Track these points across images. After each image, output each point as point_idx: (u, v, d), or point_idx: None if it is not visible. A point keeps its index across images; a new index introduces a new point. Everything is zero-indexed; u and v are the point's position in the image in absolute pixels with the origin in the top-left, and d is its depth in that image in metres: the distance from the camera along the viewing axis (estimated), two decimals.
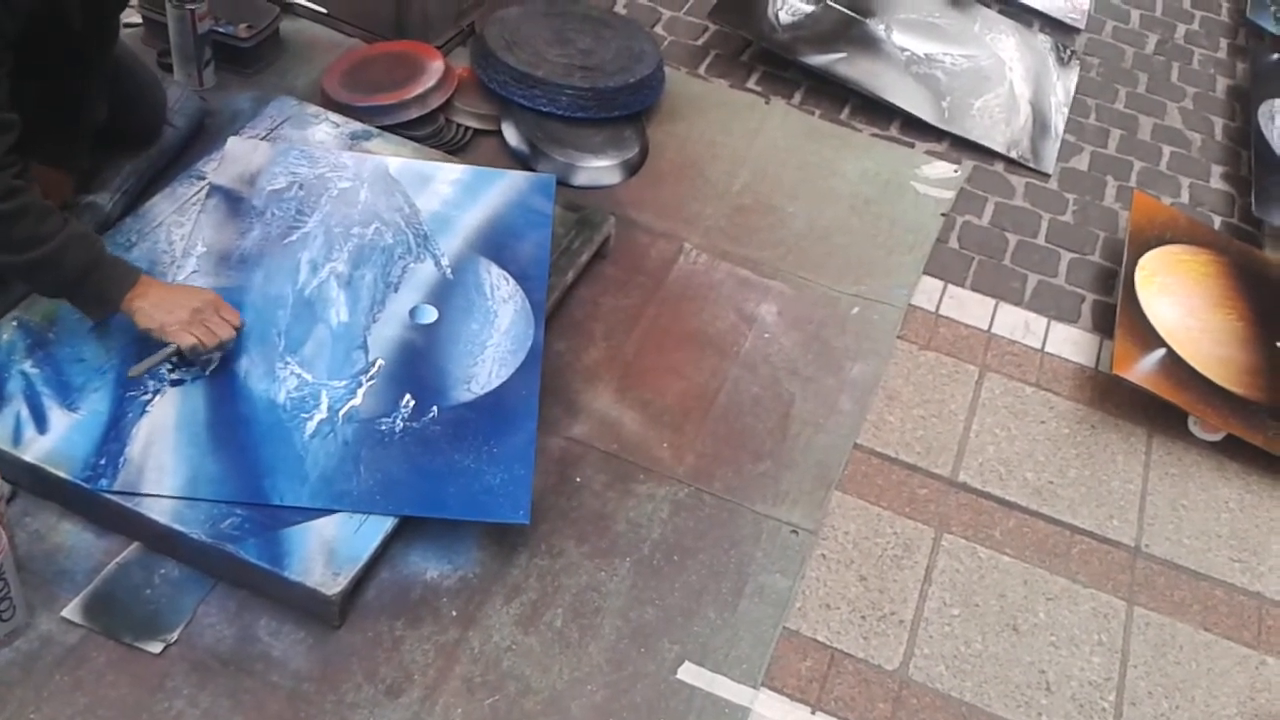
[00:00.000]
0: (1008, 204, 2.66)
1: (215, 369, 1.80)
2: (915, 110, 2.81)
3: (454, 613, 1.68)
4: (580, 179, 2.45)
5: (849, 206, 2.54)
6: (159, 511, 1.62)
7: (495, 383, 1.88)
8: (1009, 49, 3.11)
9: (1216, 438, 2.15)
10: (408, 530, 1.73)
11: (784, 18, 2.96)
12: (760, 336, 2.20)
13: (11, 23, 1.57)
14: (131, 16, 2.49)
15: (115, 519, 1.66)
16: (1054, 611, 1.84)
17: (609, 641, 1.69)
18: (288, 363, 1.84)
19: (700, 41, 3.00)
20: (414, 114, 2.46)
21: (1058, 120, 2.93)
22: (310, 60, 2.62)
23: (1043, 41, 3.20)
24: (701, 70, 2.90)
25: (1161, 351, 2.20)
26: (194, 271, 1.93)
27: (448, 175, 2.23)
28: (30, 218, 1.61)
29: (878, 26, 3.03)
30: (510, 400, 1.86)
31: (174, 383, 1.77)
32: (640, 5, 3.09)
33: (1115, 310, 2.28)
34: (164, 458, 1.67)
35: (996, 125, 2.85)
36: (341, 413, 1.78)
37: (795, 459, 1.99)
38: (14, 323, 1.83)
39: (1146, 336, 2.22)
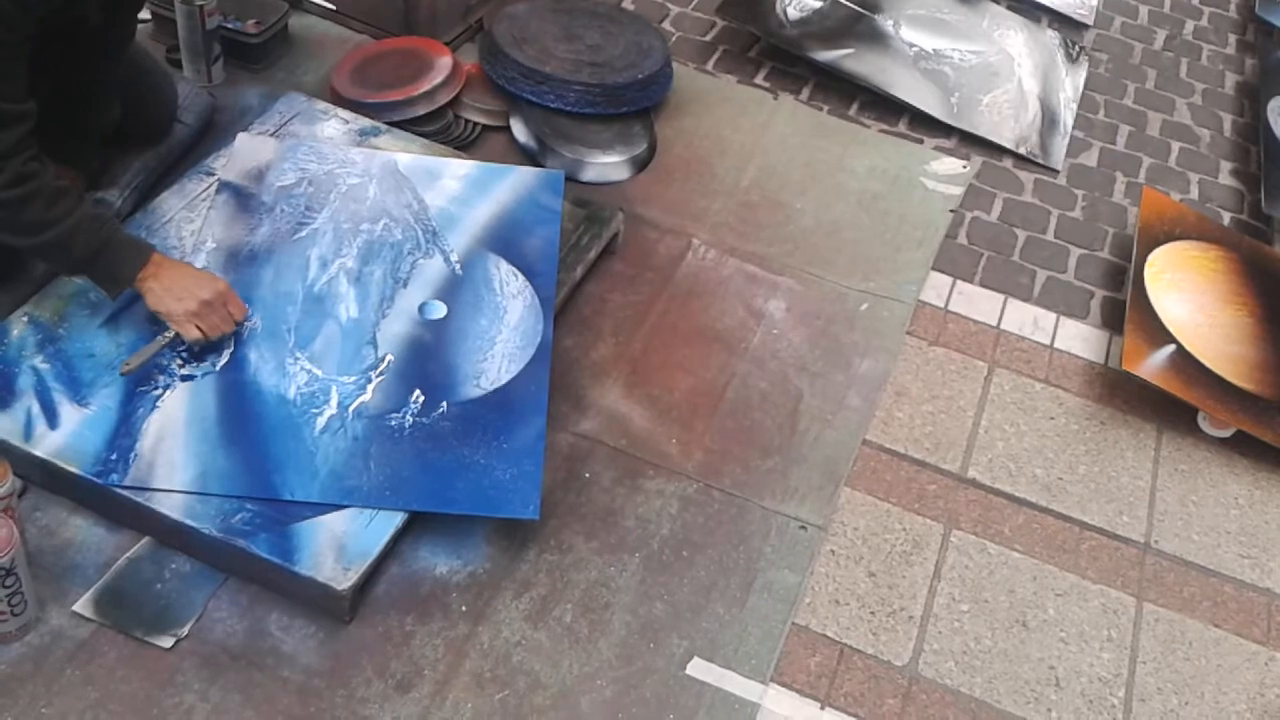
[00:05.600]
0: (1016, 200, 2.66)
1: (225, 364, 1.80)
2: (924, 106, 2.81)
3: (464, 608, 1.68)
4: (589, 175, 2.45)
5: (857, 202, 2.54)
6: (170, 506, 1.62)
7: (504, 378, 1.88)
8: (1017, 45, 3.11)
9: (1226, 434, 2.14)
10: (417, 525, 1.74)
11: (792, 13, 2.96)
12: (769, 332, 2.20)
13: (23, 15, 1.57)
14: (140, 13, 2.49)
15: (126, 514, 1.67)
16: (1063, 607, 1.84)
17: (618, 637, 1.69)
18: (298, 358, 1.84)
19: (708, 37, 3.00)
20: (422, 110, 2.46)
21: (1066, 116, 2.93)
22: (319, 56, 2.62)
23: (1051, 37, 3.19)
24: (709, 66, 2.90)
25: (1171, 347, 2.20)
26: (204, 267, 1.93)
27: (456, 171, 2.23)
28: (39, 202, 1.63)
29: (886, 22, 3.03)
30: (519, 396, 1.86)
31: (184, 378, 1.78)
32: (648, 1, 3.09)
33: (1124, 306, 2.27)
34: (175, 453, 1.68)
35: (1005, 121, 2.84)
36: (351, 408, 1.79)
37: (804, 455, 1.99)
38: (24, 319, 1.83)
39: (1156, 332, 2.22)
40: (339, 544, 1.62)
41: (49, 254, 1.72)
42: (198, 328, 1.75)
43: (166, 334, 1.77)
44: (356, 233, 2.06)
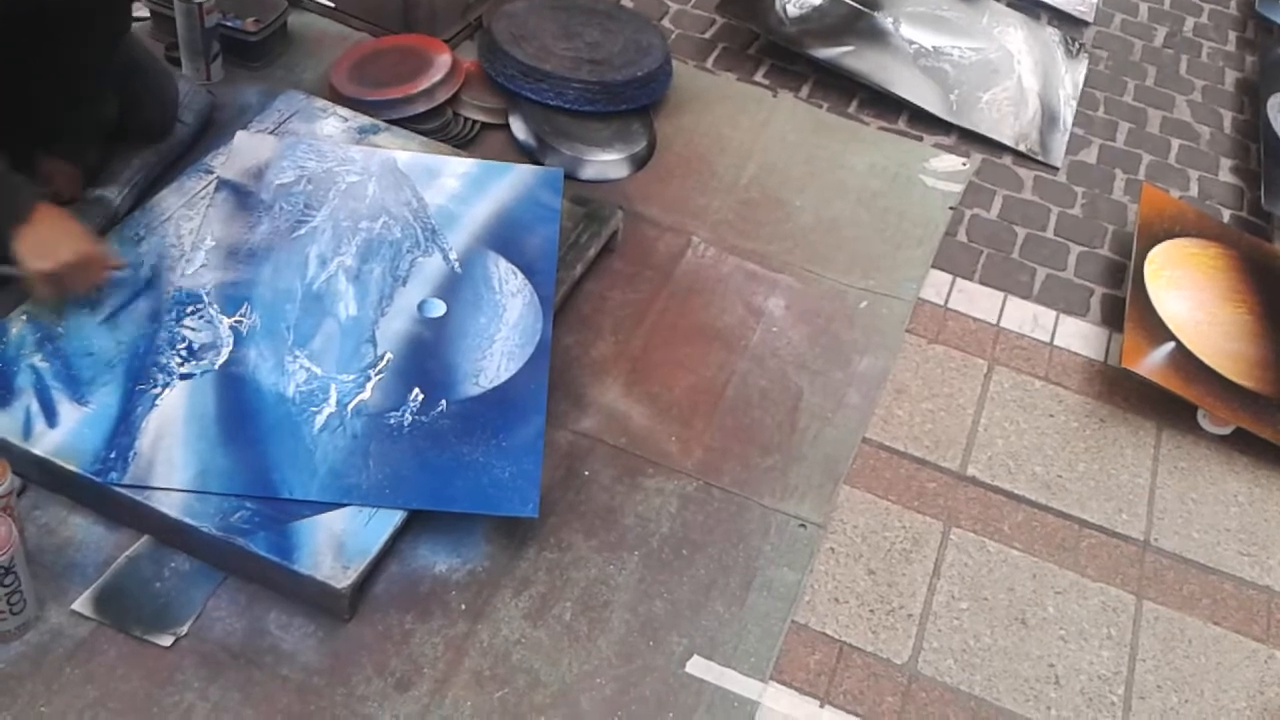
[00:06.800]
0: (1016, 197, 2.66)
1: (224, 362, 1.80)
2: (923, 103, 2.81)
3: (463, 606, 1.68)
4: (588, 173, 2.45)
5: (857, 200, 2.53)
6: (169, 505, 1.62)
7: (503, 376, 1.88)
8: (1017, 42, 3.11)
9: (1225, 431, 2.14)
10: (416, 523, 1.74)
11: (792, 11, 2.95)
12: (768, 330, 2.20)
13: None
14: (139, 10, 2.49)
15: (125, 512, 1.66)
16: (1063, 605, 1.84)
17: (618, 635, 1.69)
18: (296, 356, 1.84)
19: (708, 35, 2.99)
20: (421, 108, 2.46)
21: (1066, 113, 2.93)
22: (318, 54, 2.62)
23: (1051, 34, 3.19)
24: (709, 63, 2.89)
25: (1170, 345, 2.20)
26: (203, 265, 1.94)
27: (455, 169, 2.23)
28: None
29: (885, 19, 3.02)
30: (518, 394, 1.86)
31: (183, 376, 1.77)
32: None
33: (1124, 304, 2.27)
34: (174, 451, 1.67)
35: (1005, 118, 2.84)
36: (350, 406, 1.79)
37: (803, 453, 1.99)
38: (23, 317, 1.83)
39: (1155, 330, 2.22)
40: (338, 542, 1.62)
41: None
42: (47, 288, 1.75)
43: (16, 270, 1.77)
44: (355, 231, 2.06)
